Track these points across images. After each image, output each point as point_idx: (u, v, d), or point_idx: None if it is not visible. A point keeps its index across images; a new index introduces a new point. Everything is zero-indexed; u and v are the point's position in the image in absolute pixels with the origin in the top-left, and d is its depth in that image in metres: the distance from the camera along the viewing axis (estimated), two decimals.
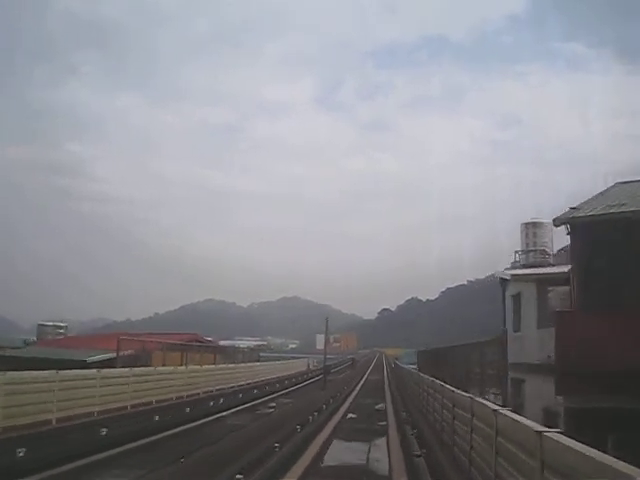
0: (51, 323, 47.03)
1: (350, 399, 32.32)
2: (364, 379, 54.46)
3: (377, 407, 27.39)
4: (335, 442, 17.29)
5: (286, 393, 36.32)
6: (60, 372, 14.76)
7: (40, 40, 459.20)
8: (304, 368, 61.79)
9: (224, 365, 32.20)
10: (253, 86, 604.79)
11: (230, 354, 39.32)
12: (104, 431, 15.21)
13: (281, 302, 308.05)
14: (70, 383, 15.07)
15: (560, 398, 13.71)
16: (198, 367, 26.24)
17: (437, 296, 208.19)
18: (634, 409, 11.08)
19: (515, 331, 20.19)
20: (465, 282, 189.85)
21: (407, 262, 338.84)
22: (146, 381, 19.81)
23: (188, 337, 33.76)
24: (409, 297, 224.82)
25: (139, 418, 17.92)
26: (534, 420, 6.45)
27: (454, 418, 10.96)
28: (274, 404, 28.51)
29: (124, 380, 18.03)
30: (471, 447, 8.58)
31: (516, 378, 19.10)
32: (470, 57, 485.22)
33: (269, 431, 17.56)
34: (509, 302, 22.48)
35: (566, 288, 19.91)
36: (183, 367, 24.75)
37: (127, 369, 18.82)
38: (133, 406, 18.12)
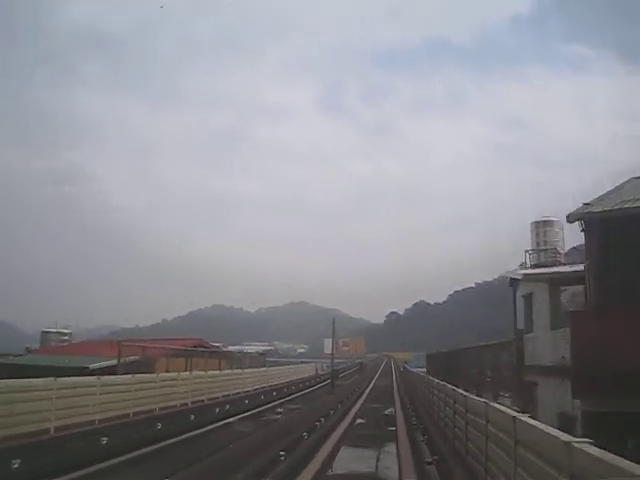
0: (54, 330, 46.63)
1: (359, 404, 31.83)
2: (372, 383, 53.96)
3: (386, 412, 26.90)
4: (343, 449, 16.90)
5: (294, 399, 35.82)
6: (58, 379, 14.31)
7: (40, 42, 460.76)
8: (312, 373, 61.35)
9: (230, 371, 31.74)
10: (255, 89, 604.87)
11: (236, 359, 38.85)
12: (104, 440, 14.76)
13: (289, 307, 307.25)
14: (69, 391, 14.64)
15: (577, 402, 13.18)
16: (203, 373, 25.76)
17: (445, 299, 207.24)
18: None
19: (527, 332, 19.68)
20: (473, 285, 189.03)
21: (414, 265, 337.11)
22: (149, 388, 19.36)
23: (192, 342, 33.29)
24: (417, 301, 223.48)
25: (141, 426, 17.46)
26: (550, 425, 5.97)
27: (467, 424, 10.42)
28: (281, 410, 28.10)
29: (126, 387, 17.57)
30: (487, 456, 8.05)
31: (529, 381, 18.55)
32: (473, 59, 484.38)
33: (275, 438, 17.12)
34: (520, 303, 21.96)
35: (579, 288, 19.39)
36: (187, 373, 24.26)
37: (129, 376, 18.36)
38: (135, 414, 17.65)
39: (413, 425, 20.60)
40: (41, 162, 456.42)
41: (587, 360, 12.53)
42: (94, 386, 15.88)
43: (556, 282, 18.65)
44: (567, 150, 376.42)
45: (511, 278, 23.55)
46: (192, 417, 21.44)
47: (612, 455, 3.86)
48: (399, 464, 14.00)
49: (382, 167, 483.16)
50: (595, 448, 4.11)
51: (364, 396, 38.40)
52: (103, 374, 19.32)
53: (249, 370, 35.67)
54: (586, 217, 13.93)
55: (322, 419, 21.69)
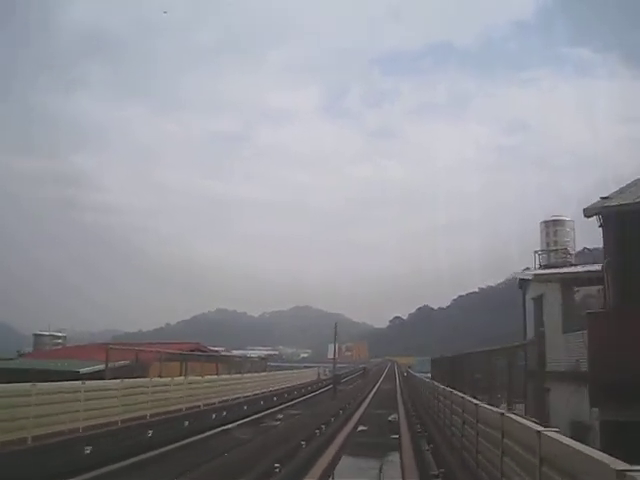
0: (47, 333, 45.59)
1: (361, 410, 30.86)
2: (376, 388, 52.99)
3: (389, 418, 25.94)
4: (344, 458, 16.04)
5: (294, 404, 34.97)
6: (38, 385, 13.35)
7: (43, 50, 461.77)
8: (314, 377, 60.50)
9: (228, 375, 30.82)
10: (257, 93, 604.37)
11: (235, 364, 37.91)
12: (88, 449, 13.83)
13: (293, 311, 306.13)
14: (49, 397, 13.66)
15: (595, 410, 12.21)
16: (199, 378, 24.78)
17: (449, 304, 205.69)
18: None
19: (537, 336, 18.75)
20: (477, 289, 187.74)
21: (418, 270, 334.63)
22: (140, 393, 18.40)
23: (189, 346, 32.33)
24: (421, 305, 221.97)
25: (130, 434, 16.50)
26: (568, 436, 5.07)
27: (478, 434, 9.45)
28: (281, 416, 27.22)
29: (113, 393, 16.57)
30: (502, 472, 7.09)
31: (541, 387, 17.61)
32: (476, 63, 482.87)
33: (273, 446, 16.16)
34: (530, 305, 21.03)
35: (592, 289, 18.43)
36: (181, 378, 23.31)
37: (117, 380, 17.35)
38: (124, 421, 16.65)
39: (417, 433, 19.62)
40: (41, 163, 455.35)
41: (606, 365, 11.59)
42: (78, 391, 14.91)
43: (569, 283, 17.72)
44: (571, 154, 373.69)
45: (520, 279, 22.63)
46: (186, 423, 20.53)
47: None
48: (403, 476, 13.08)
49: (385, 170, 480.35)
50: None
51: (367, 401, 37.53)
52: (94, 379, 18.42)
53: (249, 375, 34.69)
54: (604, 211, 12.99)
55: (323, 426, 20.74)
